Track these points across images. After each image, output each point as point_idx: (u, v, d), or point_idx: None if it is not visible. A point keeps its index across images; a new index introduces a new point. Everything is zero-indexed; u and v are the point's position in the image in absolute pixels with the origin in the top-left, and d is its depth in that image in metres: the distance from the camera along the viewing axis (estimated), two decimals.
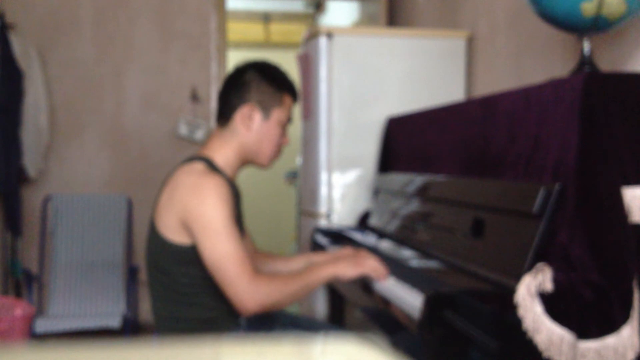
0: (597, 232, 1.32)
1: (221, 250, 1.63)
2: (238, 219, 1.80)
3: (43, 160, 3.87)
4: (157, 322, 1.82)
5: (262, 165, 1.88)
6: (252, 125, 1.80)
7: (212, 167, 1.75)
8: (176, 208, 1.68)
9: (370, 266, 1.78)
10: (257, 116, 1.80)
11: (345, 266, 1.76)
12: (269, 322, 1.89)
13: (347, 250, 1.97)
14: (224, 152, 1.80)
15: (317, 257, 1.99)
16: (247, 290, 1.62)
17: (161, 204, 1.74)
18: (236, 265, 1.62)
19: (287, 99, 1.85)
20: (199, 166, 1.73)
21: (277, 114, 1.83)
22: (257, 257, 1.98)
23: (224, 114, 1.82)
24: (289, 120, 1.87)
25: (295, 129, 3.42)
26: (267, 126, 1.82)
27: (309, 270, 1.75)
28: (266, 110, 1.81)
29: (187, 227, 1.67)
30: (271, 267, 2.00)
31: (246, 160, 1.85)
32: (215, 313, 1.75)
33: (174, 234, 1.69)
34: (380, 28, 3.93)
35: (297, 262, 2.00)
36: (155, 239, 1.74)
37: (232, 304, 1.65)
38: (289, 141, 1.89)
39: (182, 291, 1.73)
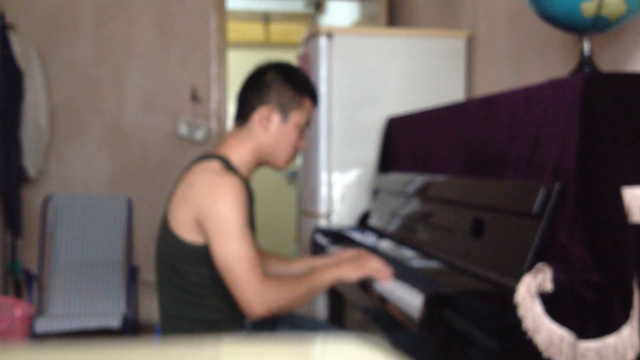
0: (597, 232, 1.32)
1: (233, 252, 1.62)
2: (251, 220, 1.80)
3: (43, 160, 3.87)
4: (163, 321, 1.81)
5: (278, 167, 1.87)
6: (269, 127, 1.79)
7: (228, 165, 1.75)
8: (191, 206, 1.67)
9: (372, 268, 1.77)
10: (276, 118, 1.80)
11: (348, 269, 1.75)
12: (271, 322, 1.89)
13: (349, 252, 1.97)
14: (240, 152, 1.79)
15: (318, 261, 1.98)
16: (256, 294, 1.61)
17: (175, 201, 1.72)
18: (247, 268, 1.61)
19: (307, 103, 1.84)
20: (215, 164, 1.72)
21: (296, 117, 1.82)
22: (261, 258, 1.98)
23: (242, 114, 1.81)
24: (307, 124, 1.86)
25: None
26: (285, 129, 1.81)
27: (313, 274, 1.74)
28: (285, 113, 1.80)
29: (200, 226, 1.66)
30: (271, 268, 1.99)
31: (262, 161, 1.84)
32: (221, 315, 1.75)
33: (187, 232, 1.68)
34: (380, 28, 3.93)
35: (298, 265, 2.00)
36: (167, 236, 1.73)
37: (239, 306, 1.64)
38: (306, 144, 1.89)
39: (191, 291, 1.72)
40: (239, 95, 1.85)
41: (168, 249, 1.74)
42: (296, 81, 1.82)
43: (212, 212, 1.64)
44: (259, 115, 1.79)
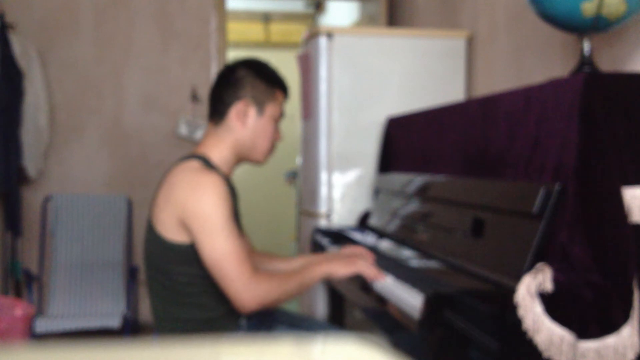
0: (597, 232, 1.32)
1: (220, 249, 1.63)
2: (235, 217, 1.81)
3: (43, 160, 3.87)
4: (157, 323, 1.81)
5: (257, 161, 1.89)
6: (247, 121, 1.82)
7: (207, 164, 1.76)
8: (174, 206, 1.67)
9: (362, 265, 1.79)
10: (252, 112, 1.82)
11: (338, 265, 1.77)
12: (269, 322, 1.89)
13: (347, 250, 1.98)
14: (219, 150, 1.81)
15: (314, 258, 1.99)
16: (246, 289, 1.62)
17: (158, 203, 1.73)
18: (235, 264, 1.62)
19: (279, 95, 1.88)
20: (194, 164, 1.74)
21: (271, 110, 1.85)
22: (255, 257, 1.98)
23: (218, 112, 1.84)
24: (281, 115, 1.89)
25: (295, 129, 3.42)
26: (262, 122, 1.84)
27: (304, 268, 1.76)
28: (260, 106, 1.83)
29: (185, 225, 1.66)
30: (270, 267, 2.00)
31: (241, 157, 1.86)
32: (215, 313, 1.75)
33: (172, 232, 1.69)
34: (380, 28, 3.93)
35: (296, 263, 2.00)
36: (153, 238, 1.74)
37: (231, 302, 1.65)
38: (281, 137, 1.91)
39: (181, 291, 1.73)
40: (211, 94, 1.88)
41: (155, 251, 1.75)
42: (267, 74, 1.85)
43: (195, 210, 1.64)
44: (236, 110, 1.81)
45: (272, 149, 1.90)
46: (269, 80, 1.85)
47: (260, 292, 1.63)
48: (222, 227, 1.64)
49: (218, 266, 1.63)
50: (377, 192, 2.70)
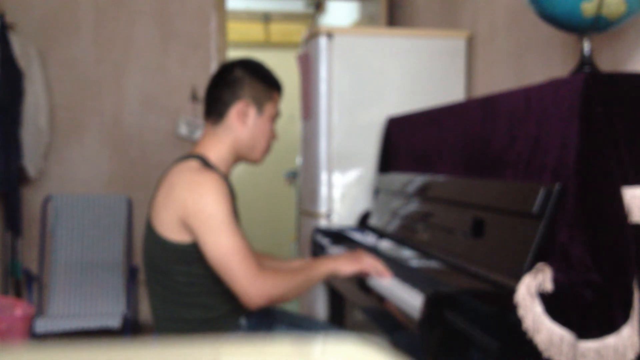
0: (597, 232, 1.32)
1: (224, 246, 1.63)
2: (235, 217, 1.81)
3: (43, 160, 3.87)
4: (157, 323, 1.81)
5: (254, 161, 1.90)
6: (247, 121, 1.82)
7: (206, 164, 1.76)
8: (174, 206, 1.67)
9: (368, 263, 1.79)
10: (252, 112, 1.83)
11: (344, 262, 1.79)
12: (269, 322, 1.89)
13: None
14: (217, 149, 1.81)
15: (319, 259, 2.00)
16: (253, 284, 1.62)
17: (158, 203, 1.73)
18: (241, 260, 1.62)
19: (276, 95, 1.89)
20: (193, 164, 1.74)
21: (269, 109, 1.86)
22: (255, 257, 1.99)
23: (216, 111, 1.84)
24: (277, 114, 1.90)
25: (295, 129, 3.42)
26: (261, 121, 1.85)
27: (310, 265, 1.78)
28: (260, 106, 1.84)
29: (186, 225, 1.66)
30: (269, 265, 2.00)
31: (240, 157, 1.87)
32: (215, 313, 1.75)
33: (172, 232, 1.69)
34: (380, 28, 3.93)
35: (297, 264, 2.01)
36: (152, 238, 1.74)
37: (238, 298, 1.65)
38: (276, 136, 1.92)
39: (181, 291, 1.73)
40: (208, 94, 1.89)
41: (154, 251, 1.74)
42: (264, 74, 1.87)
43: (196, 209, 1.64)
44: (236, 110, 1.82)
45: (269, 148, 1.91)
46: (266, 81, 1.86)
47: (267, 287, 1.63)
48: (225, 225, 1.64)
49: (223, 263, 1.63)
50: (377, 192, 2.70)
